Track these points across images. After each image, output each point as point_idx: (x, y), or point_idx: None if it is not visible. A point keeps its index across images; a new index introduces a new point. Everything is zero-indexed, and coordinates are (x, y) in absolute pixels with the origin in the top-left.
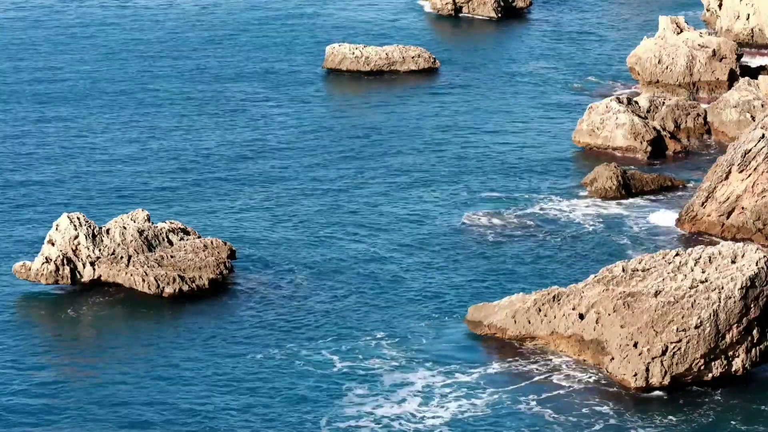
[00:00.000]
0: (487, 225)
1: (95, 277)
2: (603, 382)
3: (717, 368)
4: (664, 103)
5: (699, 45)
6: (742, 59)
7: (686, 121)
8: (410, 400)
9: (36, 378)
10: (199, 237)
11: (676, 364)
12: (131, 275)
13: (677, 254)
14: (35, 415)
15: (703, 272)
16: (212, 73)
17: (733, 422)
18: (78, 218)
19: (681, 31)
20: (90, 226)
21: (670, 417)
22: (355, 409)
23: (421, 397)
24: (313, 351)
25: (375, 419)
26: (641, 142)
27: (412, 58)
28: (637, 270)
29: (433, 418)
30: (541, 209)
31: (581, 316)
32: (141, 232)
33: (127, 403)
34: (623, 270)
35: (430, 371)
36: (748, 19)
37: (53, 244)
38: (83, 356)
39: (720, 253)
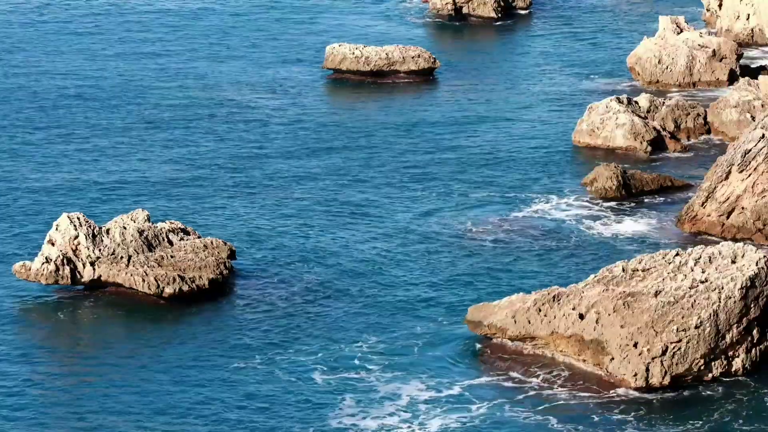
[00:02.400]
0: (486, 225)
1: (95, 277)
2: (602, 382)
3: (717, 368)
4: (664, 103)
5: (699, 45)
6: (742, 59)
7: (686, 121)
8: (404, 410)
9: (35, 379)
10: (199, 237)
11: (676, 364)
12: (131, 275)
13: (677, 254)
14: (32, 416)
15: (703, 272)
16: (211, 74)
17: (733, 423)
18: (78, 218)
19: (681, 31)
20: (90, 226)
21: (670, 417)
22: (344, 420)
23: (416, 406)
24: (305, 358)
25: (359, 431)
26: (641, 142)
27: (412, 58)
28: (637, 270)
29: (427, 428)
30: (541, 209)
31: (581, 316)
32: (141, 232)
33: (121, 405)
34: (623, 270)
35: (427, 379)
36: (748, 19)
37: (53, 244)
38: (83, 357)
39: (720, 253)
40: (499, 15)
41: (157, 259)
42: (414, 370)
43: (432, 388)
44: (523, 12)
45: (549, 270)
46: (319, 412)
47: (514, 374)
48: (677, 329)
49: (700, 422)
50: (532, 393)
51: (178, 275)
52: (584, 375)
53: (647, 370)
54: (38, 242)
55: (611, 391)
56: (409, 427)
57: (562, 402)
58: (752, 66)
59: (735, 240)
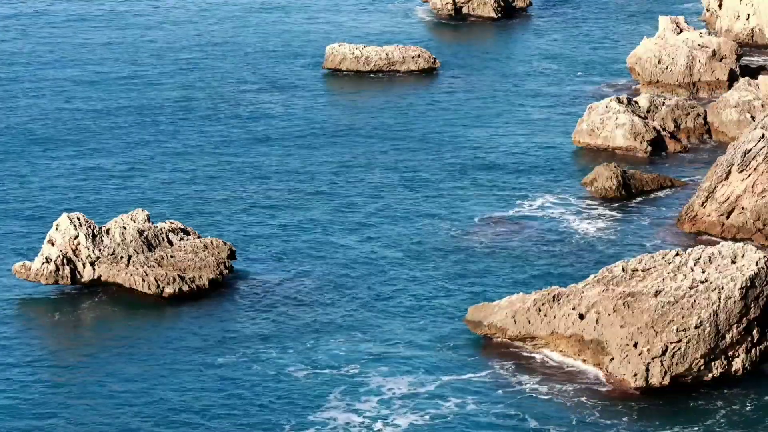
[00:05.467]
0: (486, 225)
1: (95, 277)
2: (601, 382)
3: (717, 368)
4: (664, 103)
5: (699, 45)
6: (742, 59)
7: (686, 121)
8: (383, 406)
9: (35, 379)
10: (199, 237)
11: (676, 364)
12: (131, 275)
13: (677, 254)
14: (33, 415)
15: (703, 272)
16: (212, 75)
17: (733, 423)
18: (78, 218)
19: (681, 31)
20: (90, 226)
21: (670, 417)
22: (321, 415)
23: (394, 402)
24: (295, 356)
25: (345, 427)
26: (641, 142)
27: (412, 58)
28: (637, 270)
29: (398, 424)
30: (541, 209)
31: (581, 316)
32: (141, 232)
33: (119, 404)
34: (623, 270)
35: (413, 377)
36: (748, 19)
37: (53, 244)
38: (82, 357)
39: (720, 253)
40: (499, 15)
41: (157, 259)
42: (403, 369)
43: (415, 384)
44: (523, 12)
45: (548, 270)
46: (302, 407)
47: (508, 374)
48: (677, 329)
49: (699, 423)
50: (526, 393)
51: (178, 275)
52: (583, 375)
53: (647, 370)
54: (38, 242)
55: (609, 392)
56: (385, 422)
57: (559, 403)
58: (752, 66)
59: (735, 240)
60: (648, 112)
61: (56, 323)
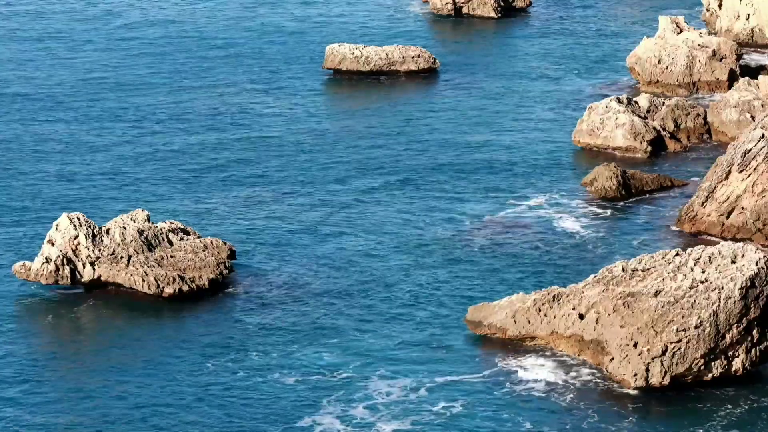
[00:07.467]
0: (486, 225)
1: (95, 277)
2: (601, 382)
3: (717, 368)
4: (664, 103)
5: (699, 45)
6: (742, 59)
7: (686, 121)
8: (377, 409)
9: (34, 380)
10: (199, 237)
11: (676, 364)
12: (131, 275)
13: (677, 254)
14: (32, 415)
15: (703, 272)
16: (211, 74)
17: (732, 423)
18: (78, 218)
19: (681, 31)
20: (90, 226)
21: (670, 417)
22: (310, 420)
23: (405, 404)
24: (295, 357)
25: (330, 429)
26: (641, 142)
27: (412, 58)
28: (637, 270)
29: (414, 427)
30: (541, 209)
31: (581, 316)
32: (141, 232)
33: (118, 405)
34: (623, 270)
35: (421, 378)
36: (748, 19)
37: (53, 244)
38: (82, 357)
39: (720, 253)
40: (499, 15)
41: (157, 259)
42: (402, 369)
43: (414, 385)
44: (523, 11)
45: (548, 270)
46: (295, 411)
47: (508, 374)
48: (677, 329)
49: (700, 423)
50: (525, 394)
51: (178, 275)
52: (583, 376)
53: (647, 370)
54: (38, 242)
55: (609, 392)
56: (380, 423)
57: (557, 403)
58: (752, 66)
59: (735, 240)
60: (648, 112)
61: (56, 323)
